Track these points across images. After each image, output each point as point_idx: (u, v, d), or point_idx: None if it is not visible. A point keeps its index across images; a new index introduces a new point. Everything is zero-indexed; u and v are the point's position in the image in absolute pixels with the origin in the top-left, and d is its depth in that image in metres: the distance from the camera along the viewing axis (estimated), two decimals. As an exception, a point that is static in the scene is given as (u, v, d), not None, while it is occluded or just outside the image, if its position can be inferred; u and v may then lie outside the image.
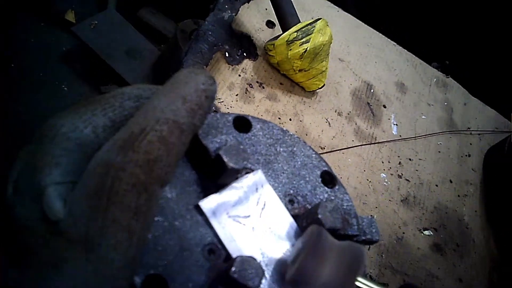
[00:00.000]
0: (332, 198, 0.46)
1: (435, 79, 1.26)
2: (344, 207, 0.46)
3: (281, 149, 0.46)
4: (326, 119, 1.00)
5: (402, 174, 1.02)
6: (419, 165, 1.06)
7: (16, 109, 1.87)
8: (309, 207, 0.44)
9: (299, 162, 0.47)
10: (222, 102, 0.89)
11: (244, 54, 0.99)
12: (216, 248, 0.38)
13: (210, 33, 0.97)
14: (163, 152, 0.30)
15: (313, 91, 1.01)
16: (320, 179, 0.47)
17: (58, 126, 0.31)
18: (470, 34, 1.65)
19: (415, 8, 1.85)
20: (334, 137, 0.98)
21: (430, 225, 0.98)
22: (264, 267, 0.39)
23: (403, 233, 0.93)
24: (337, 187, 0.48)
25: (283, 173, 0.45)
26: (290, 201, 0.44)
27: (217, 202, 0.39)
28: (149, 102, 0.32)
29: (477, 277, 0.97)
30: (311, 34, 0.91)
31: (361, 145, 1.00)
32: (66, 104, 2.03)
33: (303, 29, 0.91)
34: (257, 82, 0.96)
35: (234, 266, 0.34)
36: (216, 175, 0.39)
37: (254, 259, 0.35)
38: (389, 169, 1.01)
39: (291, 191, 0.45)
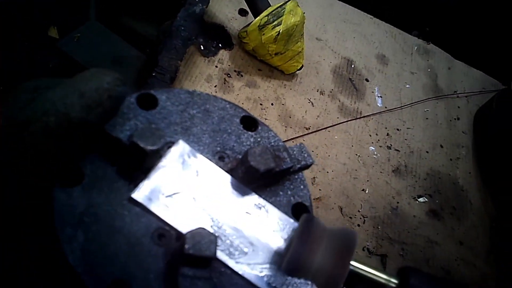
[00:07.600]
0: (259, 140, 0.46)
1: (416, 47, 1.25)
2: (272, 143, 0.47)
3: (194, 112, 0.45)
4: (309, 100, 1.00)
5: (391, 145, 1.02)
6: (407, 134, 1.05)
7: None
8: (240, 157, 0.44)
9: (216, 118, 0.46)
10: (201, 94, 0.89)
11: (220, 44, 0.99)
12: (165, 230, 0.38)
13: (182, 28, 0.97)
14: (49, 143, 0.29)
15: (292, 73, 1.01)
16: (241, 126, 0.47)
17: None
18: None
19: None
20: (318, 116, 0.98)
21: (424, 192, 0.98)
22: (218, 230, 0.39)
23: (398, 202, 0.93)
24: (260, 127, 0.48)
25: (204, 134, 0.45)
26: (220, 158, 0.44)
27: (149, 188, 0.39)
28: (42, 94, 0.31)
29: (477, 238, 0.97)
30: (282, 16, 0.91)
31: (346, 121, 1.00)
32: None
33: (274, 12, 0.91)
34: (235, 71, 0.96)
35: (186, 243, 0.34)
36: (139, 161, 0.39)
37: (203, 229, 0.35)
38: (377, 142, 1.01)
39: (218, 148, 0.44)
